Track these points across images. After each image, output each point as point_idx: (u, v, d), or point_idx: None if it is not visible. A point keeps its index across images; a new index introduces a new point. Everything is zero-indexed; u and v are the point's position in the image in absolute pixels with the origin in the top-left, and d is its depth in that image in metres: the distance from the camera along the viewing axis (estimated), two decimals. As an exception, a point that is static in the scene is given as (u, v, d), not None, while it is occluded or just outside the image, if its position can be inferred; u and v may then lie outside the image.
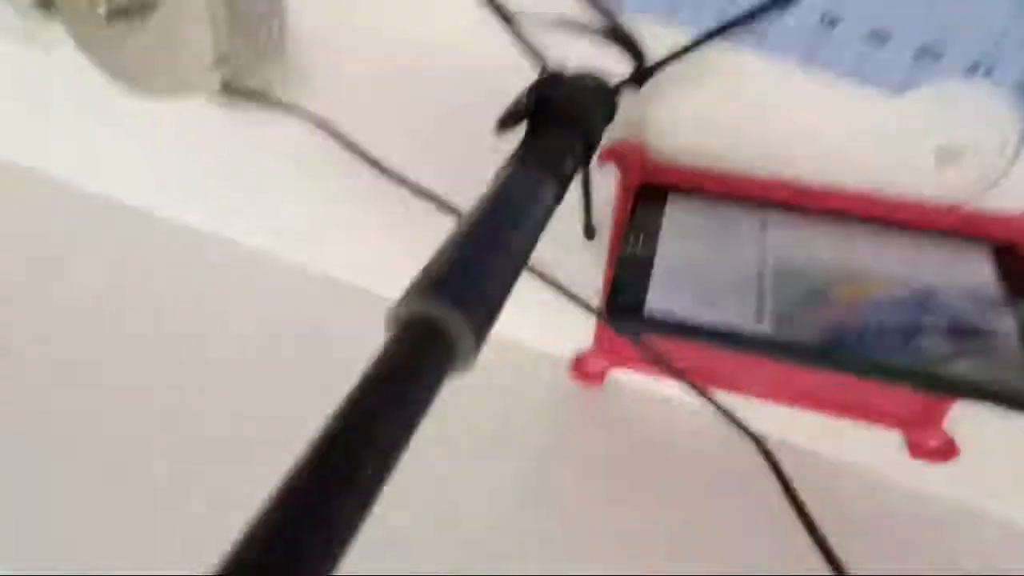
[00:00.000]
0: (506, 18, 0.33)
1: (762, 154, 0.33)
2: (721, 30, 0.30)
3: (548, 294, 0.41)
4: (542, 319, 0.42)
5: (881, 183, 0.33)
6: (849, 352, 0.27)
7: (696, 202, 0.34)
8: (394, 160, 0.41)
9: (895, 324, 0.28)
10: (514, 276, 0.22)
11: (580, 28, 0.32)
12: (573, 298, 0.41)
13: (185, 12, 0.37)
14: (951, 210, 0.32)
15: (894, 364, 0.27)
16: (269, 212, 0.48)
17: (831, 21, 0.29)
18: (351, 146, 0.41)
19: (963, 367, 0.26)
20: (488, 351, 0.19)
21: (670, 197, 0.35)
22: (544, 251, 0.26)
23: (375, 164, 0.42)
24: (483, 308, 0.19)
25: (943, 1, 0.28)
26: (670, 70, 0.32)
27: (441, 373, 0.17)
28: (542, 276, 0.41)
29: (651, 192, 0.35)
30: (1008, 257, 0.31)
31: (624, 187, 0.36)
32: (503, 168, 0.25)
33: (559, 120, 0.28)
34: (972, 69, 0.29)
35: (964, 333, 0.28)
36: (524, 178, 0.25)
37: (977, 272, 0.31)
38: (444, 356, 0.18)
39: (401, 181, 0.41)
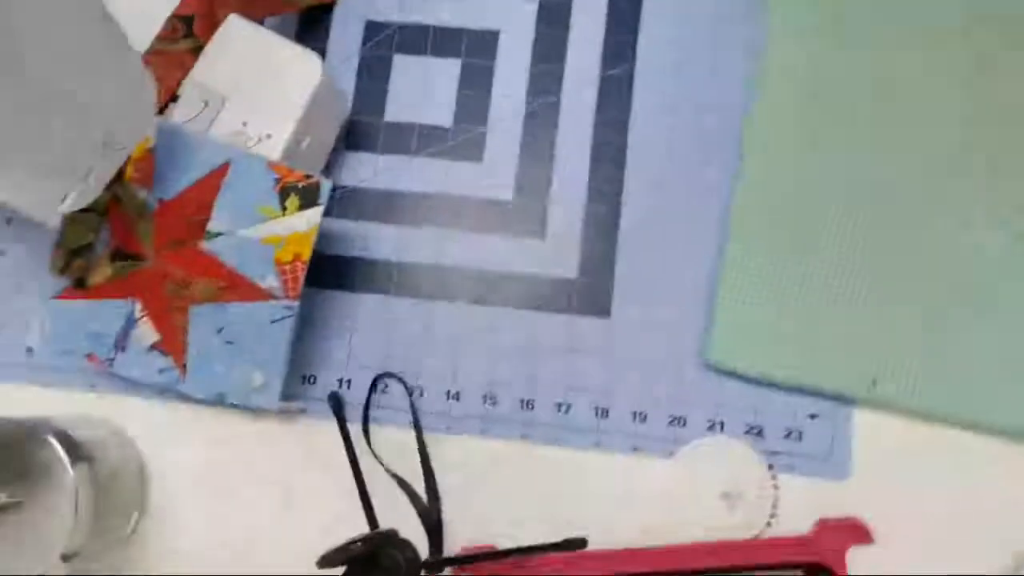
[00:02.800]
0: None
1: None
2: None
3: None
4: None
5: (691, 535, 0.38)
6: None
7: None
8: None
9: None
10: None
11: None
12: None
13: (49, 510, 0.39)
14: (757, 544, 0.38)
15: None
16: None
17: (604, 412, 0.40)
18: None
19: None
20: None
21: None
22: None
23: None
24: None
25: (683, 384, 0.40)
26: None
27: None
28: None
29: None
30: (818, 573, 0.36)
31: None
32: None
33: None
34: (711, 427, 0.39)
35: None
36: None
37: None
38: None
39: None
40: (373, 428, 0.40)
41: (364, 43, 0.45)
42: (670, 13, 0.44)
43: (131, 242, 0.35)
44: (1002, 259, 0.38)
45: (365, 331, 0.42)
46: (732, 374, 0.39)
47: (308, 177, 0.36)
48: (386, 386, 0.42)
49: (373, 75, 0.45)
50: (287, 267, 0.36)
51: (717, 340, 0.39)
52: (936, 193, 0.39)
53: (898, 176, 0.40)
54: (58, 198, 0.27)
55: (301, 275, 0.36)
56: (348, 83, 0.44)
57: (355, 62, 0.45)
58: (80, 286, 0.36)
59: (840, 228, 0.39)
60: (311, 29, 0.45)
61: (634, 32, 0.44)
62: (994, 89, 0.40)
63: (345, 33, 0.45)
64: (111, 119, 0.28)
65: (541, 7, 0.45)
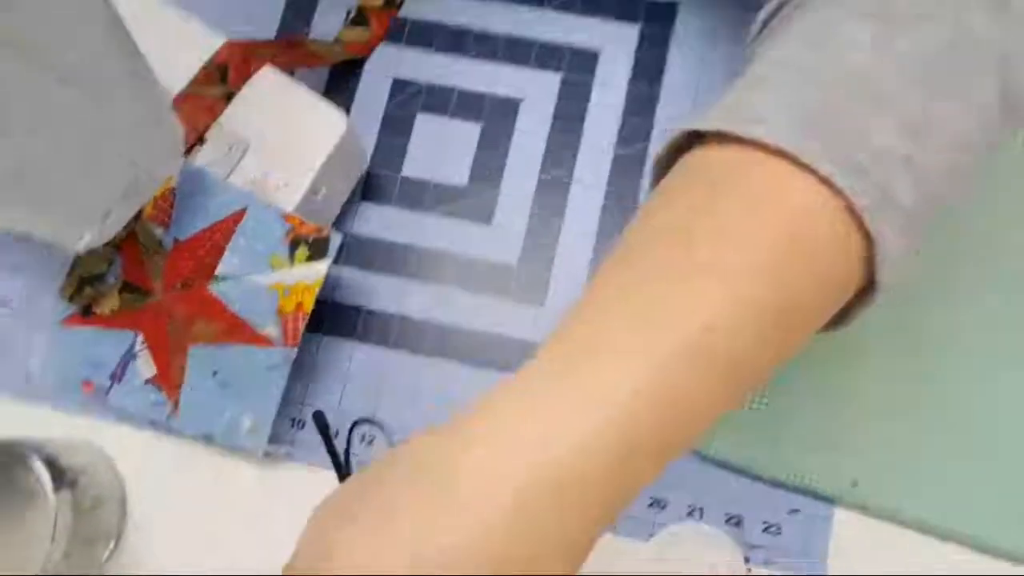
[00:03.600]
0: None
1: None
2: None
3: None
4: None
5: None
6: None
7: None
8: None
9: None
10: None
11: None
12: None
13: (28, 533, 0.39)
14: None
15: None
16: None
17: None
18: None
19: None
20: None
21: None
22: None
23: None
24: None
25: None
26: None
27: None
28: None
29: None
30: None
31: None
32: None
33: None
34: (691, 513, 0.39)
35: None
36: None
37: None
38: None
39: None
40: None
41: (389, 99, 0.47)
42: (687, 100, 0.46)
43: (141, 277, 0.36)
44: (1007, 394, 0.38)
45: (358, 381, 0.42)
46: (716, 462, 0.39)
47: (319, 230, 0.37)
48: (372, 439, 0.42)
49: (395, 131, 0.46)
50: (289, 316, 0.36)
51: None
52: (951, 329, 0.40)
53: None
54: (76, 237, 0.28)
55: (301, 325, 0.37)
56: (370, 136, 0.46)
57: (379, 116, 0.46)
58: (86, 314, 0.37)
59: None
60: (340, 82, 0.47)
61: (652, 113, 0.46)
62: None
63: (373, 88, 0.47)
64: (135, 164, 0.29)
65: (564, 81, 0.46)
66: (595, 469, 0.21)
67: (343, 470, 0.39)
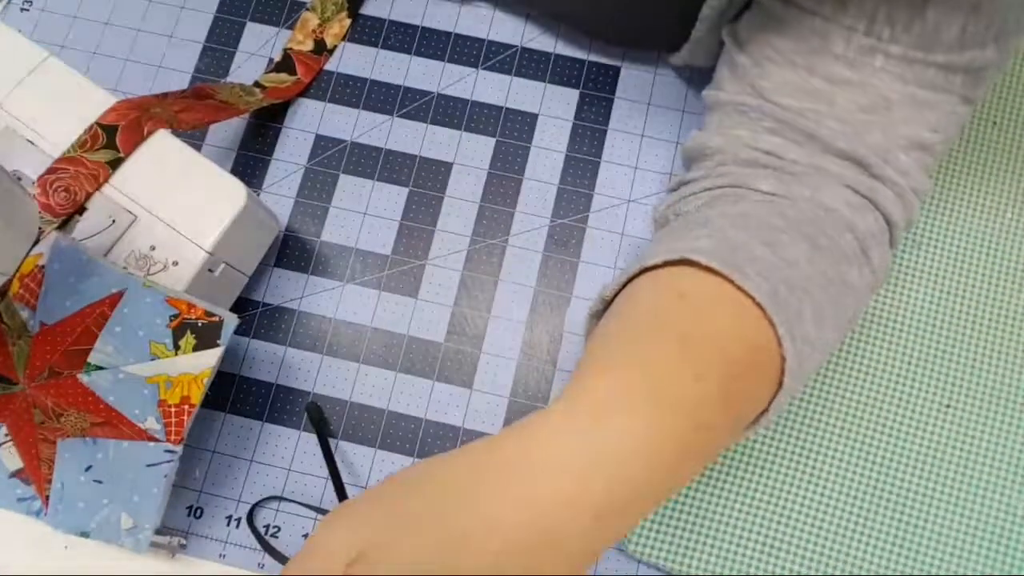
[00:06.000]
0: None
1: None
2: None
3: None
4: None
5: None
6: None
7: None
8: None
9: None
10: None
11: None
12: None
13: None
14: None
15: None
16: None
17: None
18: None
19: None
20: None
21: None
22: None
23: None
24: None
25: None
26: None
27: None
28: None
29: None
30: None
31: None
32: None
33: None
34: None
35: None
36: None
37: None
38: None
39: None
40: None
41: (311, 156, 0.43)
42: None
43: (4, 364, 0.32)
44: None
45: (265, 464, 0.39)
46: (651, 565, 0.36)
47: (210, 315, 0.33)
48: (277, 530, 0.38)
49: (316, 191, 0.43)
50: (172, 409, 0.33)
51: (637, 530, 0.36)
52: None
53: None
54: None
55: (188, 419, 0.33)
56: (289, 195, 0.42)
57: (299, 175, 0.43)
58: (-56, 401, 0.33)
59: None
60: (259, 138, 0.43)
61: (591, 188, 0.42)
62: None
63: (293, 145, 0.43)
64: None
65: (497, 144, 0.43)
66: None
67: (339, 479, 0.35)
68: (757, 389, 0.28)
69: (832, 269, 0.31)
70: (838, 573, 0.35)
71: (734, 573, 0.36)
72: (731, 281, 0.27)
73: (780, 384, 0.28)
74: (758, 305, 0.27)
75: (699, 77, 0.42)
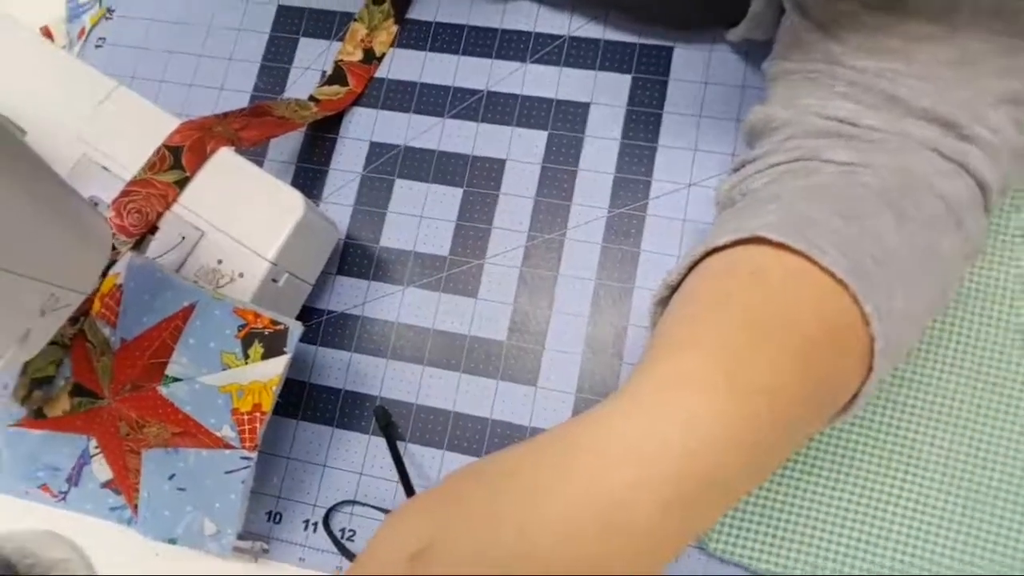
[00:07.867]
0: None
1: None
2: None
3: None
4: None
5: None
6: None
7: None
8: None
9: None
10: None
11: None
12: None
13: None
14: None
15: None
16: None
17: None
18: None
19: None
20: None
21: None
22: None
23: None
24: None
25: None
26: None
27: None
28: None
29: None
30: None
31: None
32: None
33: None
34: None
35: None
36: None
37: None
38: None
39: None
40: None
41: (367, 163, 0.44)
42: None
43: (91, 379, 0.34)
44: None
45: (338, 469, 0.40)
46: (736, 564, 0.35)
47: (275, 324, 0.34)
48: (353, 533, 0.39)
49: (373, 197, 0.43)
50: (245, 417, 0.34)
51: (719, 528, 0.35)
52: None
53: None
54: (-7, 358, 0.26)
55: (260, 426, 0.34)
56: (347, 203, 0.43)
57: (356, 183, 0.43)
58: (39, 416, 0.35)
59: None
60: (316, 149, 0.44)
61: (649, 175, 0.41)
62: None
63: (348, 154, 0.44)
64: (52, 283, 0.27)
65: (550, 137, 0.42)
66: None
67: (408, 481, 0.36)
68: (842, 372, 0.26)
69: (922, 239, 0.28)
70: (939, 573, 0.33)
71: (824, 574, 0.34)
72: (808, 257, 0.25)
73: (870, 367, 0.26)
74: (839, 282, 0.25)
75: (757, 51, 0.40)
